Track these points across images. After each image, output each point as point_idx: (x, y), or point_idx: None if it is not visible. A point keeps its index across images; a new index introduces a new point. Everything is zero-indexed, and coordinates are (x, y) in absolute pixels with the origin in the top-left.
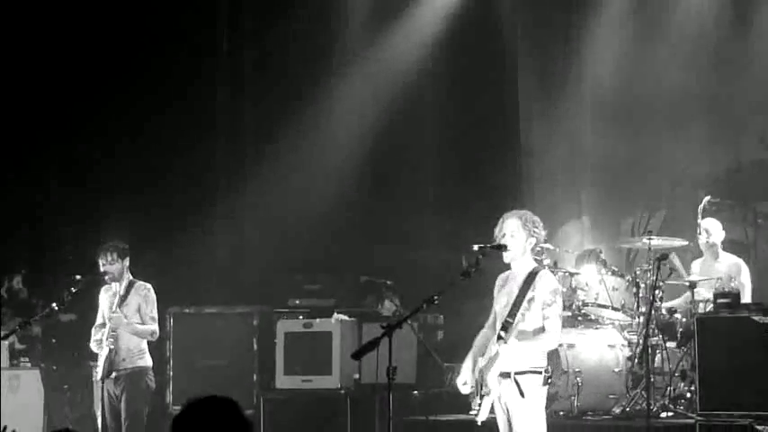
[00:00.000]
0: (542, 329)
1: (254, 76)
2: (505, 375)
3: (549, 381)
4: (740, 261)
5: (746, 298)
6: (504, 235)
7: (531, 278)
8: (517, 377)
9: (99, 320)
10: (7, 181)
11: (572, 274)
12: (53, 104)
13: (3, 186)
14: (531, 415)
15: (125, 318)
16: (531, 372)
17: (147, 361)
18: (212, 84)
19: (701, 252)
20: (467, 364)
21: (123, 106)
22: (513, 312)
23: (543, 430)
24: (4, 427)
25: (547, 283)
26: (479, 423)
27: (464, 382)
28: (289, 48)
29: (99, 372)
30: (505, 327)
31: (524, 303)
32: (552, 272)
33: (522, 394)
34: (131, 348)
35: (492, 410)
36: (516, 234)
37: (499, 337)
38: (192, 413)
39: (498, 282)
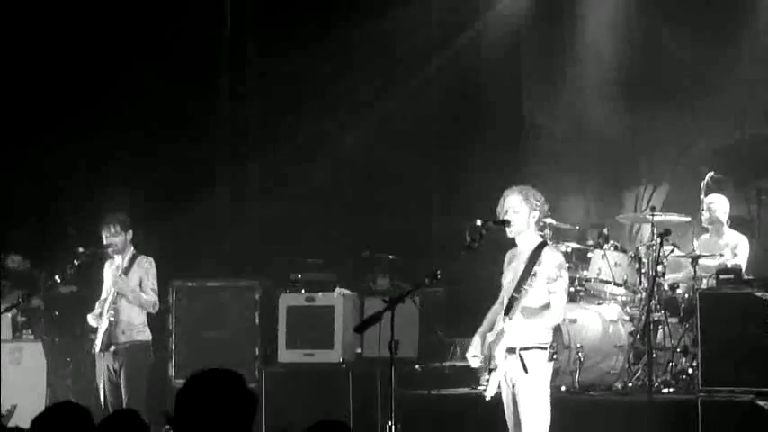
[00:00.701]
0: (548, 305)
1: (257, 54)
2: (511, 351)
3: (555, 357)
4: (742, 238)
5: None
6: (507, 211)
7: (536, 253)
8: (522, 353)
9: (103, 295)
10: (9, 155)
11: (575, 250)
12: (57, 80)
13: (4, 161)
14: (535, 390)
15: (125, 295)
16: (537, 347)
17: (147, 335)
18: (215, 57)
19: (704, 228)
20: (476, 339)
21: (126, 80)
22: (518, 288)
23: (547, 406)
24: (14, 406)
25: (552, 258)
26: (487, 398)
27: (473, 355)
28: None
29: (98, 344)
30: (512, 302)
31: (529, 278)
32: (554, 246)
33: (525, 369)
34: (131, 322)
35: (499, 386)
36: (519, 209)
37: (505, 313)
38: (197, 386)
39: (507, 257)
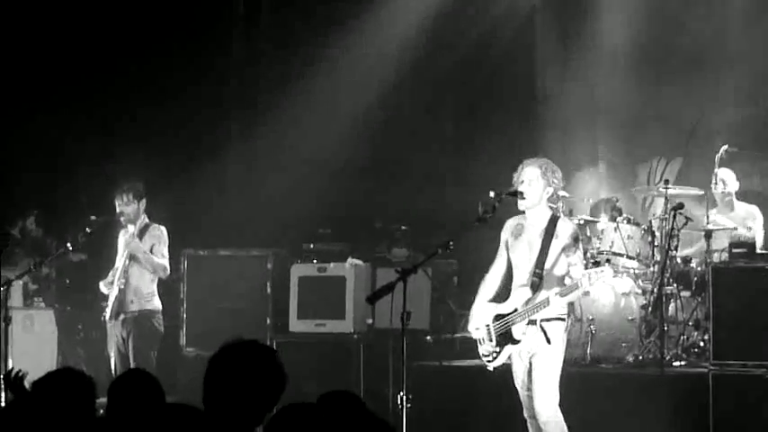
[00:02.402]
0: (567, 276)
1: (269, 22)
2: (531, 323)
3: (569, 327)
4: (755, 209)
5: (759, 245)
6: (523, 182)
7: (551, 226)
8: (543, 324)
9: (117, 263)
10: (22, 122)
11: (587, 222)
12: (70, 48)
13: (18, 127)
14: (553, 361)
15: (137, 262)
16: (557, 318)
17: (156, 304)
18: (228, 30)
19: (716, 202)
20: (477, 309)
21: (139, 51)
22: (540, 264)
23: (558, 377)
24: (18, 371)
25: (567, 230)
26: (492, 369)
27: (477, 327)
28: None
29: (108, 312)
30: (538, 279)
31: (550, 255)
32: (567, 220)
33: (549, 341)
34: (141, 290)
35: (509, 358)
36: (534, 182)
37: (535, 289)
38: (230, 356)
39: (509, 229)
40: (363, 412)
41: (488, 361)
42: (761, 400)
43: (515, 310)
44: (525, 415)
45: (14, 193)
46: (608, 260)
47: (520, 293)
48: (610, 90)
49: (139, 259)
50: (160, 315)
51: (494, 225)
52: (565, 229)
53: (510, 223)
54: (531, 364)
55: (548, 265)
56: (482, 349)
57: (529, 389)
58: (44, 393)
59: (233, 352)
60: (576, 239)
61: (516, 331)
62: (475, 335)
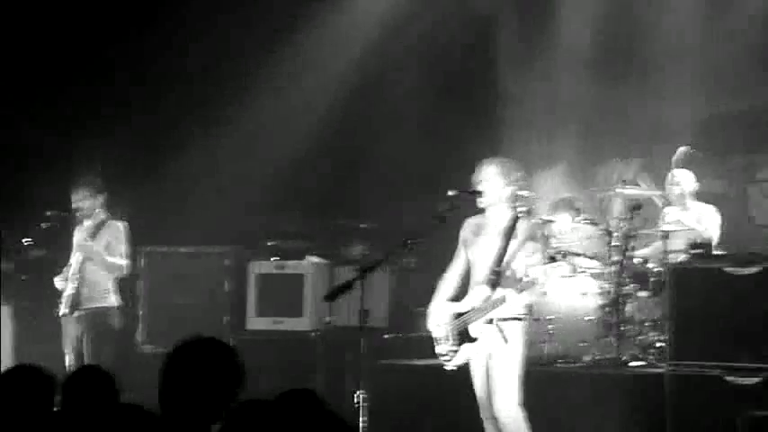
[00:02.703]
0: (526, 275)
1: (229, 17)
2: (488, 322)
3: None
4: (711, 208)
5: (714, 244)
6: (481, 181)
7: (512, 226)
8: (500, 323)
9: (71, 259)
10: None
11: (546, 222)
12: (30, 40)
13: None
14: (511, 360)
15: (91, 258)
16: (514, 318)
17: (111, 301)
18: (187, 22)
19: (670, 202)
20: (436, 308)
21: (99, 46)
22: (499, 260)
23: (519, 378)
24: None
25: (527, 230)
26: (449, 368)
27: (437, 324)
28: None
29: (62, 308)
30: (496, 277)
31: (509, 253)
32: (527, 219)
33: (505, 340)
34: (96, 287)
35: (467, 357)
36: (492, 180)
37: (494, 285)
38: (186, 353)
39: (468, 227)
40: (322, 411)
41: (446, 360)
42: (718, 401)
43: (472, 309)
44: (482, 416)
45: None
46: (564, 255)
47: (477, 291)
48: (569, 90)
49: (94, 260)
50: (116, 311)
51: (453, 224)
52: (523, 228)
53: (469, 221)
54: (488, 363)
55: (506, 264)
56: (439, 349)
57: (488, 388)
58: (3, 389)
59: (190, 349)
60: (534, 239)
61: (473, 330)
62: (434, 333)
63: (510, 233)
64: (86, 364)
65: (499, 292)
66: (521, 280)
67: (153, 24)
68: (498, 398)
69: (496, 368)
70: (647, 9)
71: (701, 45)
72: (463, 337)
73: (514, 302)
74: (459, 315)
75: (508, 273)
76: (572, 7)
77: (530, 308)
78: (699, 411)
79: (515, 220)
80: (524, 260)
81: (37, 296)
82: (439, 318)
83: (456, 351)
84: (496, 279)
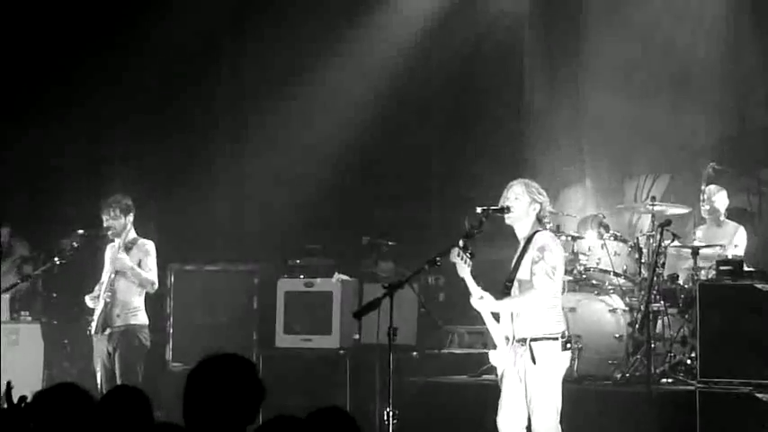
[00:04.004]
0: (531, 286)
1: (257, 30)
2: (522, 342)
3: (568, 346)
4: (740, 228)
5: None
6: (508, 198)
7: (529, 240)
8: (532, 344)
9: (103, 277)
10: (7, 134)
11: (574, 239)
12: (60, 62)
13: (4, 141)
14: (545, 382)
15: (123, 276)
16: (546, 338)
17: (141, 319)
18: (215, 38)
19: (703, 219)
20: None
21: (125, 58)
22: (513, 273)
23: (557, 398)
24: (8, 383)
25: (538, 241)
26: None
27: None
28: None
29: (93, 326)
30: (507, 288)
31: (522, 264)
32: (555, 236)
33: (534, 360)
34: (127, 304)
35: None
36: (520, 197)
37: (503, 296)
38: (208, 370)
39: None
40: (354, 429)
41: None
42: (747, 418)
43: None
44: None
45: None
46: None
47: None
48: (597, 107)
49: (127, 274)
50: (146, 329)
51: (481, 241)
52: (536, 240)
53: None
54: (525, 382)
55: (517, 276)
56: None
57: (527, 408)
58: (45, 407)
59: (211, 365)
60: (542, 250)
61: (499, 346)
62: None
63: (525, 248)
64: (120, 383)
65: (478, 301)
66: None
67: (179, 49)
68: (535, 418)
69: (530, 388)
70: (675, 27)
71: (728, 62)
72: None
73: (481, 308)
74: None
75: (517, 284)
76: (600, 25)
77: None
78: (729, 429)
79: (533, 234)
80: (529, 269)
81: (66, 314)
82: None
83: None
84: (506, 291)
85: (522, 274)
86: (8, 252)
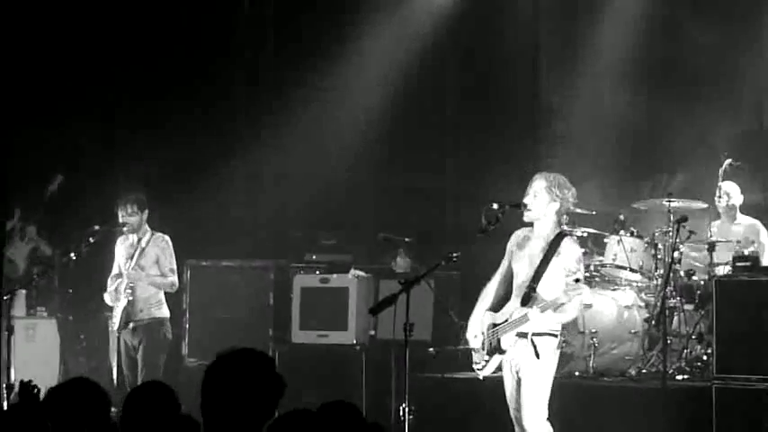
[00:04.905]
0: (571, 298)
1: (274, 29)
2: (522, 336)
3: (563, 345)
4: (758, 222)
5: (765, 259)
6: (528, 194)
7: (555, 244)
8: (534, 338)
9: (115, 271)
10: (23, 130)
11: (590, 235)
12: (75, 59)
13: (18, 137)
14: (541, 376)
15: (142, 270)
16: (548, 334)
17: (164, 312)
18: (232, 37)
19: (719, 215)
20: (476, 317)
21: (144, 62)
22: (537, 278)
23: (547, 394)
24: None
25: (572, 252)
26: (481, 377)
27: (475, 335)
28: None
29: (116, 322)
30: (530, 292)
31: (549, 271)
32: (571, 232)
33: (537, 355)
34: (149, 299)
35: (498, 368)
36: (539, 194)
37: (525, 302)
38: (227, 364)
39: (515, 239)
40: (361, 422)
41: (478, 369)
42: (763, 415)
43: (506, 321)
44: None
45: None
46: (577, 280)
47: (513, 304)
48: (614, 104)
49: (143, 284)
50: (168, 323)
51: (497, 237)
52: (570, 249)
53: (517, 233)
54: (519, 377)
55: (543, 281)
56: (475, 357)
57: (517, 402)
58: (60, 402)
59: (229, 360)
60: (579, 262)
61: (504, 342)
62: (472, 343)
63: (553, 251)
64: (143, 376)
65: (524, 309)
66: (550, 299)
67: (196, 43)
68: (526, 413)
69: (526, 383)
70: (691, 23)
71: (744, 58)
72: (495, 347)
73: (536, 321)
74: (494, 326)
75: (544, 290)
76: (615, 22)
77: (573, 323)
78: (745, 425)
79: (561, 238)
80: (563, 281)
81: (82, 310)
82: (476, 327)
83: (487, 361)
84: (529, 294)
85: (550, 279)
86: (21, 235)
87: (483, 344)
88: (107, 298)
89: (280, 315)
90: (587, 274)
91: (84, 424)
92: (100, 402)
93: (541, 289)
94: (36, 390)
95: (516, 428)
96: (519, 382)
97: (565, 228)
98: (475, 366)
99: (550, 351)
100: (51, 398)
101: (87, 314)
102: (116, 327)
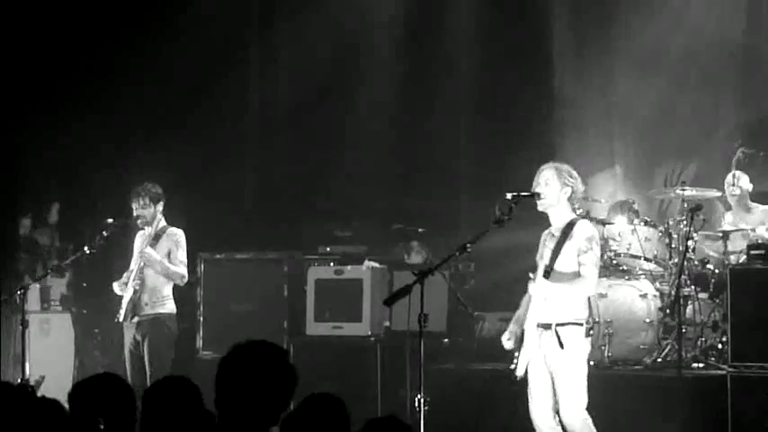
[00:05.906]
0: (577, 274)
1: (285, 24)
2: (546, 327)
3: (591, 332)
4: None
5: None
6: (539, 184)
7: (569, 228)
8: (558, 329)
9: (132, 265)
10: (34, 124)
11: (604, 224)
12: (86, 52)
13: (34, 132)
14: (572, 367)
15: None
16: (572, 323)
17: (169, 308)
18: (243, 28)
19: (731, 205)
20: (512, 325)
21: (152, 50)
22: (552, 260)
23: (584, 382)
24: (42, 377)
25: (583, 230)
26: (518, 376)
27: (508, 338)
28: None
29: (121, 313)
30: (546, 274)
31: (562, 254)
32: (584, 222)
33: (561, 345)
34: (156, 292)
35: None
36: (551, 182)
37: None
38: (241, 356)
39: (543, 237)
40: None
41: (513, 369)
42: None
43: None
44: (535, 425)
45: (31, 194)
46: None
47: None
48: (627, 92)
49: (155, 267)
50: (174, 318)
51: (511, 227)
52: (580, 229)
53: (545, 232)
54: (550, 370)
55: (558, 264)
56: (514, 358)
57: (553, 395)
58: (88, 397)
59: (243, 353)
60: (590, 240)
61: (528, 334)
62: (505, 345)
63: (566, 235)
64: (150, 371)
65: (531, 284)
66: (572, 280)
67: (208, 37)
68: (563, 404)
69: (558, 375)
70: (704, 12)
71: (758, 47)
72: (520, 342)
73: (539, 288)
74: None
75: (558, 272)
76: (629, 10)
77: (590, 311)
78: (761, 413)
79: (574, 223)
80: (576, 260)
81: (97, 304)
82: (511, 332)
83: (518, 357)
84: (546, 278)
85: (563, 262)
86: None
87: (517, 344)
88: (115, 286)
89: (294, 307)
90: (600, 264)
91: (112, 419)
92: (126, 397)
93: (555, 271)
94: (31, 389)
95: (537, 421)
96: (552, 375)
97: (579, 215)
98: (512, 366)
99: (578, 340)
100: (77, 393)
101: (102, 308)
102: (121, 317)
